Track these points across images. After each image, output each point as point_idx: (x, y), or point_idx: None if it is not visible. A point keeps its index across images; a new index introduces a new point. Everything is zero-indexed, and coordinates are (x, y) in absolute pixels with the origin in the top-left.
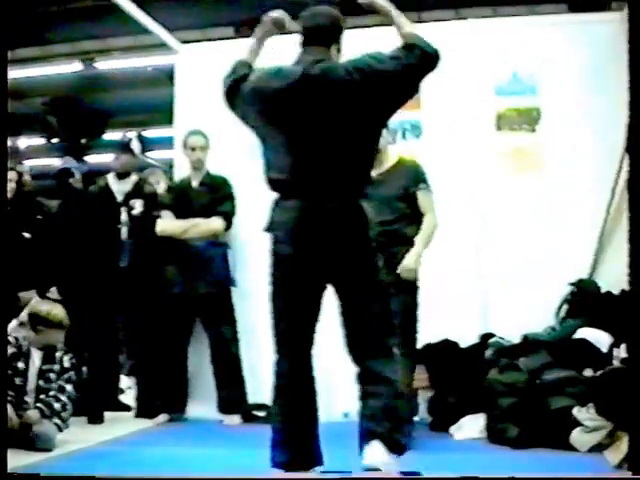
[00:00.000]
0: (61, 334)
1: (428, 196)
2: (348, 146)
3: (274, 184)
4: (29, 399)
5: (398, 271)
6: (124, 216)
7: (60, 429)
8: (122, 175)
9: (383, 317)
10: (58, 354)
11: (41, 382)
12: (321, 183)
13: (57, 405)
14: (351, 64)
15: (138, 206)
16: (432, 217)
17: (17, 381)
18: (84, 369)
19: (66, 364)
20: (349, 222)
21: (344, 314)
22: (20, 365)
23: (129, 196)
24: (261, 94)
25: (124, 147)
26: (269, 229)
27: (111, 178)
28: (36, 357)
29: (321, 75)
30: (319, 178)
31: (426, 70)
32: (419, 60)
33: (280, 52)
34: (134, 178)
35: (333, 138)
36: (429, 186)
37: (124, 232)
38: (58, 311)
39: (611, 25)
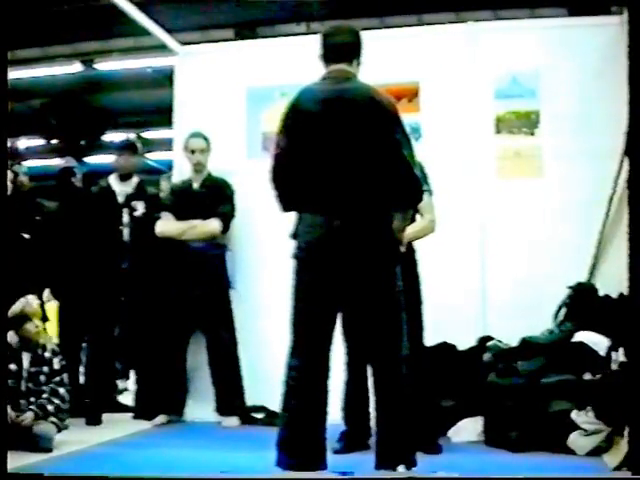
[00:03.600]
0: (32, 324)
1: (428, 198)
2: (368, 164)
3: (302, 199)
4: (23, 401)
5: None
6: (126, 217)
7: (59, 429)
8: (124, 176)
9: (398, 330)
10: (47, 355)
11: (30, 384)
12: (345, 198)
13: (50, 407)
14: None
15: (140, 207)
16: (427, 219)
17: (10, 383)
18: (81, 370)
19: (56, 366)
20: (372, 237)
21: (360, 326)
22: (12, 367)
23: (131, 197)
24: (296, 116)
25: (126, 148)
26: (295, 237)
27: (113, 179)
28: (25, 359)
29: (340, 98)
30: (343, 194)
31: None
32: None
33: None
34: (136, 179)
35: (354, 157)
36: (430, 188)
37: (126, 233)
38: (15, 306)
39: (611, 29)
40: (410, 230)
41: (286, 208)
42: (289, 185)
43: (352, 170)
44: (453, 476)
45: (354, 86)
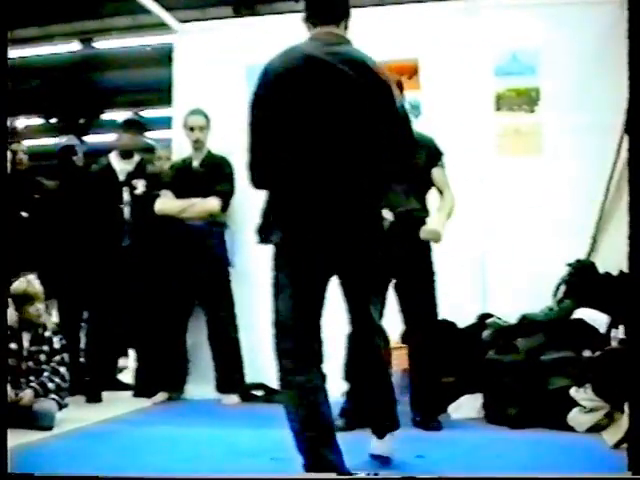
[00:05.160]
0: (33, 307)
1: (444, 173)
2: (355, 136)
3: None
4: (23, 380)
5: (422, 235)
6: (126, 196)
7: (60, 406)
8: (125, 155)
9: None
10: (47, 334)
11: (30, 363)
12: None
13: (51, 385)
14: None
15: (140, 186)
16: (450, 195)
17: (10, 362)
18: (81, 348)
19: (56, 345)
20: (360, 209)
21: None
22: (12, 346)
23: (131, 176)
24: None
25: (132, 126)
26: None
27: (113, 157)
28: (25, 339)
29: (332, 60)
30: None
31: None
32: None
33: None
34: (137, 158)
35: (339, 127)
36: (444, 162)
37: (126, 212)
38: (18, 285)
39: (611, 6)
40: (446, 212)
41: (263, 185)
42: (273, 159)
43: (348, 139)
44: (459, 476)
45: (348, 49)
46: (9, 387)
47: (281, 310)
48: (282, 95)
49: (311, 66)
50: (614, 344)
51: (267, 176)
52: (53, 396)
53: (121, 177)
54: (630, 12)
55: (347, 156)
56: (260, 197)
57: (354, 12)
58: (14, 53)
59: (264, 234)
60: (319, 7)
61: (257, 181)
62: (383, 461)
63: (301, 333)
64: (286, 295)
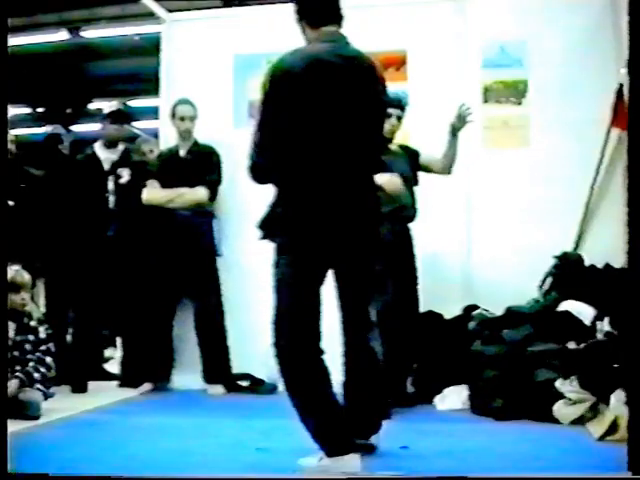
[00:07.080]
0: (18, 296)
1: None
2: (365, 132)
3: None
4: (8, 369)
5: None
6: (111, 185)
7: (45, 396)
8: (110, 144)
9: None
10: (33, 323)
11: (16, 353)
12: (345, 166)
13: (37, 375)
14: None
15: (125, 175)
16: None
17: None
18: (68, 337)
19: (42, 335)
20: (363, 205)
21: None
22: None
23: (116, 165)
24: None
25: (118, 117)
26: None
27: (98, 147)
28: (10, 328)
29: (349, 61)
30: (344, 161)
31: None
32: None
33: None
34: (121, 147)
35: (357, 126)
36: None
37: (111, 201)
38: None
39: None
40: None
41: (266, 180)
42: (280, 156)
43: (354, 138)
44: (462, 476)
45: (357, 51)
46: None
47: (287, 305)
48: (295, 96)
49: (321, 68)
50: (599, 336)
51: (275, 172)
52: (39, 386)
53: (106, 166)
54: (630, 9)
55: (354, 156)
56: (246, 187)
57: (342, 1)
58: None
59: (268, 231)
60: (322, 8)
61: (261, 176)
62: (367, 450)
63: (308, 326)
64: (292, 291)
